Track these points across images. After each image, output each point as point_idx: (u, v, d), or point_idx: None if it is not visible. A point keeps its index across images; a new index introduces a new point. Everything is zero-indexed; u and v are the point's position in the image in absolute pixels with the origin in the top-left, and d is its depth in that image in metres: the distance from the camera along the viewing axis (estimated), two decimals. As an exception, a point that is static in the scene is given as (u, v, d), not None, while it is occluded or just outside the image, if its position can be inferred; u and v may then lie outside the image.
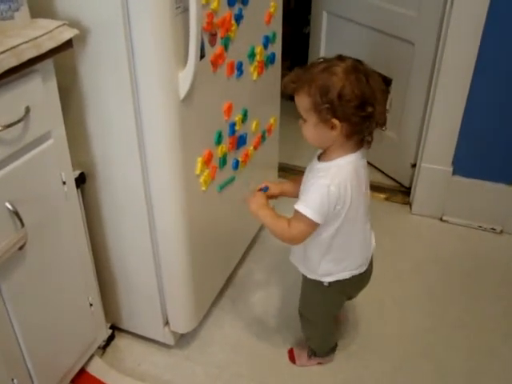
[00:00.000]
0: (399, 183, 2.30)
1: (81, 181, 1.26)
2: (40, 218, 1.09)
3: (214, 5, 1.19)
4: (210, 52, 1.23)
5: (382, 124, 1.14)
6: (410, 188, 2.21)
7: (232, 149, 1.47)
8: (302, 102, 1.12)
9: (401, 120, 2.18)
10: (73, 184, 1.19)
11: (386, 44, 2.14)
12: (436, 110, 1.93)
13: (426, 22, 1.93)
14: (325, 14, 2.45)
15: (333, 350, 1.53)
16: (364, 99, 1.07)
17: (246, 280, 1.82)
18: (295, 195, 1.26)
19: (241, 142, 1.52)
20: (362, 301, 1.73)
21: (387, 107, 2.17)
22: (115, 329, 1.59)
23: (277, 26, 1.64)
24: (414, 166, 2.15)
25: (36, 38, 0.96)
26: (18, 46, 0.91)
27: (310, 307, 1.43)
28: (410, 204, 2.18)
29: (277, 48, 1.68)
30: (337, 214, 1.16)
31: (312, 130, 1.14)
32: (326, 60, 1.13)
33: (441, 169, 2.01)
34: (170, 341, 1.54)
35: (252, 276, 1.84)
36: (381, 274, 1.84)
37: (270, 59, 1.63)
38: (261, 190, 1.32)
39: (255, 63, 1.51)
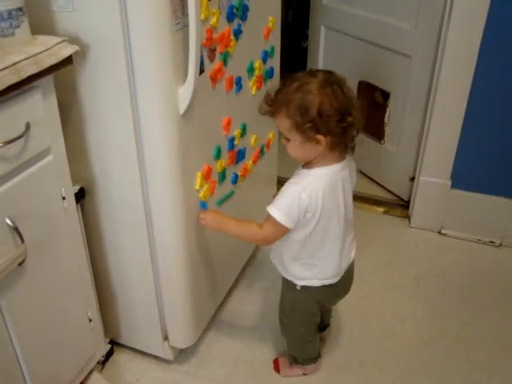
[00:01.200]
0: (398, 197, 2.30)
1: (80, 196, 1.26)
2: (40, 233, 1.09)
3: (213, 20, 1.20)
4: (210, 67, 1.24)
5: (360, 129, 1.15)
6: (408, 201, 2.21)
7: (231, 163, 1.48)
8: (282, 123, 1.14)
9: (399, 133, 2.19)
10: (72, 199, 1.19)
11: (384, 57, 2.15)
12: (434, 123, 1.94)
13: (423, 35, 1.95)
14: (323, 29, 2.46)
15: (314, 360, 1.52)
16: (343, 110, 1.09)
17: (246, 294, 1.82)
18: None
19: (240, 156, 1.52)
20: (361, 313, 1.73)
21: (385, 121, 2.21)
22: (114, 344, 1.58)
23: (275, 41, 1.65)
24: (412, 179, 2.16)
25: (36, 54, 0.96)
26: (18, 62, 0.92)
27: (286, 311, 1.44)
28: (408, 217, 2.18)
29: (275, 62, 1.69)
30: (308, 221, 1.19)
31: (297, 147, 1.15)
32: (297, 78, 1.13)
33: (439, 182, 2.02)
34: (170, 356, 1.53)
35: (251, 290, 1.84)
36: (380, 287, 1.85)
37: (269, 73, 1.64)
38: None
39: (254, 78, 1.53)
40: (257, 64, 1.52)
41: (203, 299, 1.51)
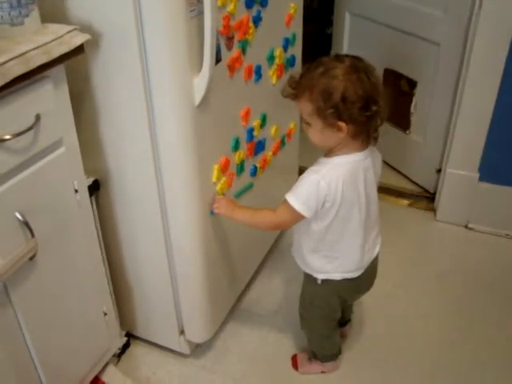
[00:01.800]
0: (423, 188, 2.23)
1: (94, 188, 1.24)
2: (51, 227, 1.07)
3: (230, 7, 1.15)
4: (227, 56, 1.20)
5: (385, 119, 1.11)
6: (434, 194, 2.14)
7: (250, 155, 1.43)
8: (305, 107, 1.11)
9: (426, 123, 2.11)
10: (86, 192, 1.16)
11: (411, 45, 2.07)
12: (462, 114, 1.86)
13: (453, 22, 1.86)
14: (347, 15, 2.39)
15: (334, 356, 1.48)
16: (368, 98, 1.05)
17: (266, 285, 1.79)
18: None
19: (259, 147, 1.48)
20: (383, 309, 1.68)
21: (411, 110, 2.13)
22: (131, 336, 1.57)
23: (297, 28, 1.59)
24: (439, 171, 2.08)
25: (46, 43, 0.93)
26: (27, 52, 0.88)
27: (306, 305, 1.40)
28: (434, 210, 2.11)
29: (297, 50, 1.64)
30: (327, 211, 1.15)
31: (318, 133, 1.12)
32: (323, 62, 1.10)
33: (467, 174, 1.94)
34: (186, 350, 1.51)
35: (272, 281, 1.80)
36: (403, 282, 1.79)
37: (290, 62, 1.59)
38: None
39: (274, 66, 1.47)
40: (277, 52, 1.47)
41: (221, 293, 1.48)
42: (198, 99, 1.10)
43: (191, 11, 1.02)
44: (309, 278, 1.32)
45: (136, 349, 1.57)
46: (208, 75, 1.06)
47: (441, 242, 1.99)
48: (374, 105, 1.06)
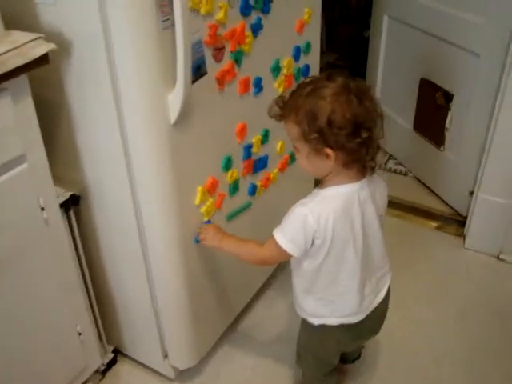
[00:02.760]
0: (455, 211, 2.04)
1: (73, 203, 1.17)
2: (12, 245, 1.01)
3: (219, 15, 1.04)
4: (216, 68, 1.09)
5: (380, 147, 1.00)
6: (466, 217, 1.95)
7: (247, 173, 1.32)
8: (291, 130, 1.00)
9: (461, 141, 1.92)
10: (55, 209, 1.09)
11: (449, 54, 1.89)
12: (498, 134, 1.68)
13: (494, 31, 1.67)
14: (386, 18, 2.22)
15: None
16: (357, 123, 0.93)
17: (266, 314, 1.66)
18: None
19: (260, 165, 1.36)
20: (392, 344, 1.53)
21: (447, 125, 1.95)
22: (118, 353, 1.50)
23: (313, 35, 1.46)
24: (471, 193, 1.90)
25: (1, 54, 0.86)
26: (-26, 64, 0.82)
27: (302, 345, 1.28)
28: (463, 236, 1.92)
29: (313, 59, 1.51)
30: (317, 249, 1.03)
31: (305, 160, 1.01)
32: (313, 80, 0.99)
33: (501, 201, 1.75)
34: (171, 374, 1.42)
35: (273, 309, 1.67)
36: (419, 316, 1.64)
37: (303, 72, 1.46)
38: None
39: (281, 77, 1.35)
40: (285, 62, 1.35)
41: (208, 321, 1.38)
42: (173, 117, 1.00)
43: (164, 21, 0.92)
44: (305, 321, 1.19)
45: (123, 366, 1.50)
46: (182, 91, 0.96)
47: (468, 273, 1.81)
48: (364, 131, 0.94)
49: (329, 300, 1.11)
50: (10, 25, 0.95)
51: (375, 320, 1.19)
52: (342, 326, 1.13)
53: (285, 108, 1.01)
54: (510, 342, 1.55)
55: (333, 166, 0.98)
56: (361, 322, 1.14)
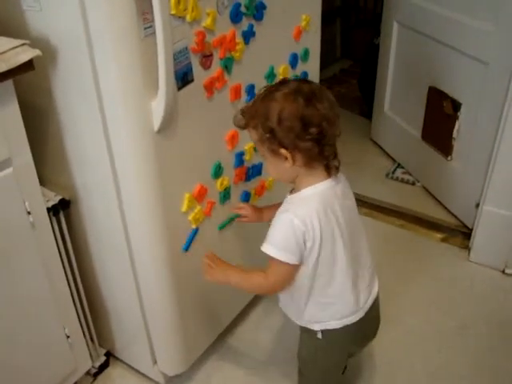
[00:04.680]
0: (461, 222, 2.00)
1: (62, 207, 1.18)
2: (-3, 248, 1.02)
3: (206, 22, 1.04)
4: (204, 75, 1.09)
5: (334, 146, 1.01)
6: (472, 229, 1.91)
7: (239, 181, 1.32)
8: (252, 136, 1.03)
9: (468, 151, 1.88)
10: (42, 212, 1.10)
11: (457, 62, 1.85)
12: (505, 145, 1.63)
13: (503, 40, 1.63)
14: (395, 25, 2.19)
15: None
16: (305, 120, 0.95)
17: (262, 319, 1.65)
18: None
19: (253, 172, 1.36)
20: (386, 358, 1.49)
21: (454, 135, 1.91)
22: (111, 356, 1.51)
23: (311, 42, 1.45)
24: (478, 205, 1.85)
25: (-17, 60, 0.87)
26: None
27: (305, 363, 1.24)
28: (469, 249, 1.88)
29: (312, 66, 1.49)
30: (309, 251, 1.01)
31: (269, 164, 1.04)
32: (268, 86, 1.03)
33: (506, 214, 1.70)
34: (160, 379, 1.42)
35: (269, 318, 1.65)
36: (416, 329, 1.60)
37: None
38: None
39: (277, 85, 1.34)
40: (280, 69, 1.34)
41: (197, 328, 1.37)
42: (157, 124, 1.00)
43: (146, 28, 0.92)
44: (307, 333, 1.16)
45: (115, 370, 1.50)
46: (165, 99, 0.96)
47: (470, 286, 1.76)
48: (314, 128, 0.95)
49: (328, 303, 1.09)
50: (-4, 31, 0.97)
51: (373, 318, 1.18)
52: (346, 328, 1.11)
53: (245, 115, 1.03)
54: (510, 356, 1.50)
55: (294, 168, 1.00)
56: (361, 321, 1.12)
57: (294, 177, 1.03)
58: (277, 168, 1.02)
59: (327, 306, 1.10)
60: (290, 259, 1.01)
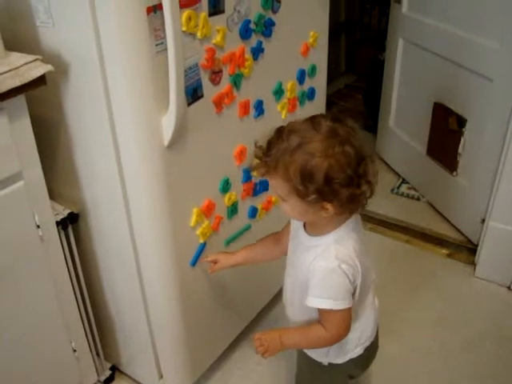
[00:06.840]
0: (467, 238, 2.00)
1: (71, 221, 1.18)
2: (6, 261, 1.02)
3: (216, 39, 1.05)
4: (213, 91, 1.10)
5: (374, 192, 0.91)
6: (478, 245, 1.90)
7: (247, 196, 1.32)
8: (280, 187, 0.90)
9: (474, 167, 1.89)
10: (51, 226, 1.10)
11: (463, 79, 1.87)
12: (511, 160, 1.64)
13: (508, 56, 1.64)
14: (401, 41, 2.21)
15: None
16: (356, 174, 0.87)
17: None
18: (257, 261, 1.18)
19: (260, 188, 1.36)
20: (389, 374, 1.48)
21: (459, 151, 1.92)
22: (117, 370, 1.50)
23: (318, 58, 1.46)
24: (483, 221, 1.85)
25: (-3, 75, 0.88)
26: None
27: None
28: (474, 265, 1.87)
29: (318, 82, 1.50)
30: (357, 287, 0.97)
31: (296, 213, 0.94)
32: (296, 129, 0.89)
33: (512, 230, 1.71)
34: (167, 395, 1.41)
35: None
36: (421, 345, 1.59)
37: (308, 95, 1.46)
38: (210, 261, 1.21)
39: (284, 100, 1.35)
40: (288, 85, 1.35)
41: (203, 343, 1.37)
42: (167, 139, 1.00)
43: (158, 45, 0.93)
44: (309, 361, 1.11)
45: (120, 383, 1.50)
46: (175, 114, 0.97)
47: (476, 303, 1.76)
48: (363, 181, 0.88)
49: (352, 329, 1.02)
50: (12, 45, 0.99)
51: (374, 342, 1.15)
52: (365, 351, 1.09)
53: (270, 162, 0.89)
54: (516, 375, 1.50)
55: (328, 217, 0.91)
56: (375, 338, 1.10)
57: (318, 221, 0.95)
58: (304, 215, 0.93)
59: (352, 332, 1.03)
60: (348, 304, 0.95)
